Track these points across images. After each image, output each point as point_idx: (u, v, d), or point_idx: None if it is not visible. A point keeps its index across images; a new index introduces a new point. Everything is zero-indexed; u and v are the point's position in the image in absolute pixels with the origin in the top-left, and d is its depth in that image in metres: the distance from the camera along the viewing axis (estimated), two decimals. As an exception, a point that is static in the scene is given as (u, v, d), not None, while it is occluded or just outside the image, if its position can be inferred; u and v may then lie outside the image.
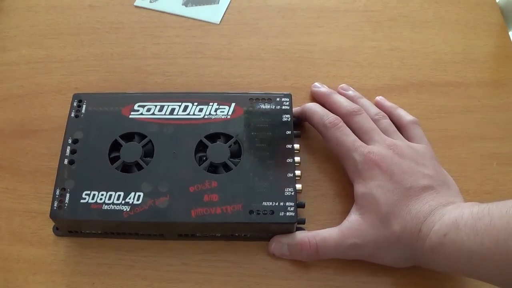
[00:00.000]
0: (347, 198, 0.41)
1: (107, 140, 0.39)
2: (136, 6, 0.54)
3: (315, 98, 0.46)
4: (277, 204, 0.37)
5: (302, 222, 0.38)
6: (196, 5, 0.54)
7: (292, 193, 0.37)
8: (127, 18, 0.53)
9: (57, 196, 0.37)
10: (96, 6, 0.54)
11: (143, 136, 0.40)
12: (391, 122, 0.42)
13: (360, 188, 0.38)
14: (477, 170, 0.43)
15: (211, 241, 0.39)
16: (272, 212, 0.36)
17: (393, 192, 0.36)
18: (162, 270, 0.38)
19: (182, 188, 0.37)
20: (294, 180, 0.38)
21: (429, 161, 0.39)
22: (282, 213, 0.36)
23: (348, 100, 0.43)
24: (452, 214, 0.33)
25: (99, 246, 0.39)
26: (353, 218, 0.37)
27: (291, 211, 0.36)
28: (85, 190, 0.37)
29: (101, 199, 0.37)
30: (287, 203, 0.37)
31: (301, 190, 0.38)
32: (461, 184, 0.41)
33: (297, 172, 0.38)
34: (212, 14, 0.53)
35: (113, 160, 0.39)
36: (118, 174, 0.38)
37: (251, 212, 0.36)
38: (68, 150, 0.39)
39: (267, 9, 0.53)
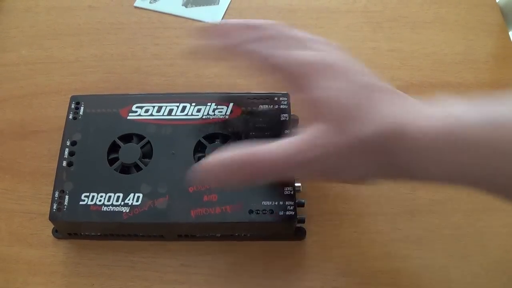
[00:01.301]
0: (348, 199, 0.41)
1: (106, 142, 0.39)
2: (136, 7, 0.54)
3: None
4: (276, 203, 0.37)
5: (302, 221, 0.38)
6: (196, 6, 0.54)
7: (292, 192, 0.37)
8: (127, 18, 0.53)
9: (56, 198, 0.37)
10: (96, 7, 0.54)
11: (141, 137, 0.40)
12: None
13: (309, 94, 0.31)
14: (478, 170, 0.42)
15: (211, 241, 0.39)
16: (272, 211, 0.36)
17: (351, 91, 0.30)
18: (162, 271, 0.38)
19: (181, 189, 0.37)
20: (294, 179, 0.38)
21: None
22: (281, 212, 0.36)
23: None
24: (446, 107, 0.29)
25: (98, 247, 0.39)
26: (308, 130, 0.30)
27: (290, 210, 0.36)
28: (84, 192, 0.37)
29: (100, 200, 0.37)
30: (286, 202, 0.37)
31: (300, 188, 0.38)
32: (461, 185, 0.41)
33: (297, 172, 0.38)
34: (212, 14, 0.53)
35: (111, 162, 0.39)
36: (117, 175, 0.38)
37: (250, 211, 0.36)
38: (66, 152, 0.39)
39: (267, 10, 0.53)
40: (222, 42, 0.35)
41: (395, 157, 0.29)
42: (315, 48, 0.33)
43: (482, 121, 0.27)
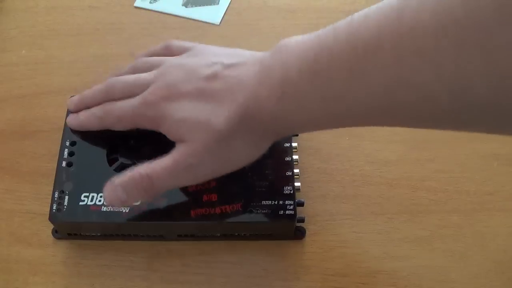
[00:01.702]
0: (348, 199, 0.41)
1: (105, 142, 0.39)
2: (136, 7, 0.54)
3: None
4: (276, 202, 0.37)
5: (302, 220, 0.38)
6: (196, 6, 0.54)
7: (291, 192, 0.37)
8: (127, 19, 0.53)
9: (55, 198, 0.37)
10: (96, 7, 0.54)
11: (141, 137, 0.40)
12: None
13: (164, 128, 0.35)
14: (478, 170, 0.43)
15: (210, 241, 0.39)
16: (272, 211, 0.36)
17: (193, 104, 0.33)
18: (162, 271, 0.38)
19: (180, 189, 0.37)
20: (293, 178, 0.38)
21: (203, 50, 0.37)
22: (281, 212, 0.36)
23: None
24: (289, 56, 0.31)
25: (98, 247, 0.39)
26: (179, 148, 0.34)
27: (290, 209, 0.36)
28: (83, 192, 0.37)
29: (100, 201, 0.37)
30: (286, 202, 0.37)
31: (299, 188, 0.38)
32: (462, 185, 0.41)
33: (296, 171, 0.38)
34: (212, 14, 0.53)
35: (111, 162, 0.39)
36: (116, 175, 0.38)
37: (250, 211, 0.36)
38: (66, 153, 0.39)
39: (267, 10, 0.53)
40: (73, 124, 0.40)
41: (261, 127, 0.32)
42: (150, 76, 0.36)
43: (302, 72, 0.29)
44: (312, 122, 0.32)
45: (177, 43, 0.40)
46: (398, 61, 0.25)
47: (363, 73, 0.27)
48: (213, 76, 0.33)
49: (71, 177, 0.38)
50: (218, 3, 0.54)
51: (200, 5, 0.54)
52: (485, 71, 0.23)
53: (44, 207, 0.38)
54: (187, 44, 0.39)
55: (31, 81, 0.48)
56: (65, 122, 0.40)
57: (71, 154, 0.39)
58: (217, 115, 0.32)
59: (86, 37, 0.51)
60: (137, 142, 0.40)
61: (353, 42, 0.27)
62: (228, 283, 0.38)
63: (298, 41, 0.31)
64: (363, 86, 0.27)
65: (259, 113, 0.32)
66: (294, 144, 0.40)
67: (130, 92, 0.36)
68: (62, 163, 0.38)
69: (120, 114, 0.37)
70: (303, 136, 0.44)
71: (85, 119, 0.39)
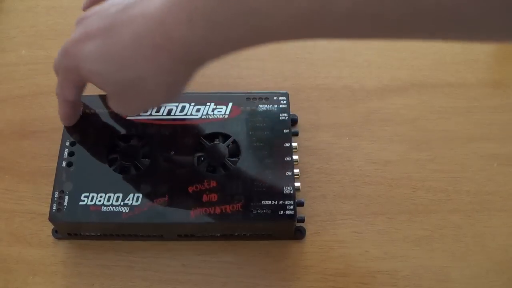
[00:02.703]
0: (348, 199, 0.41)
1: (105, 142, 0.39)
2: (136, 7, 0.53)
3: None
4: (276, 202, 0.37)
5: (302, 220, 0.38)
6: (196, 6, 0.53)
7: (291, 192, 0.37)
8: (127, 19, 0.53)
9: (55, 198, 0.37)
10: (96, 7, 0.53)
11: (141, 137, 0.40)
12: None
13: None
14: (478, 171, 0.43)
15: (210, 241, 0.39)
16: (272, 211, 0.36)
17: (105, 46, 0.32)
18: (162, 271, 0.38)
19: (181, 189, 0.37)
20: (293, 178, 0.38)
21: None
22: (281, 212, 0.36)
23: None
24: None
25: (98, 247, 0.39)
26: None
27: (290, 209, 0.36)
28: (83, 192, 0.37)
29: (100, 201, 0.37)
30: (286, 202, 0.37)
31: (299, 188, 0.38)
32: (462, 185, 0.41)
33: (296, 171, 0.38)
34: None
35: (111, 162, 0.39)
36: (116, 175, 0.38)
37: (250, 211, 0.36)
38: (66, 153, 0.39)
39: (267, 10, 0.53)
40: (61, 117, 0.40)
41: (170, 54, 0.30)
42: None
43: None
44: (229, 43, 0.29)
45: None
46: None
47: None
48: (121, 11, 0.31)
49: (71, 177, 0.38)
50: (218, 3, 0.54)
51: (200, 5, 0.54)
52: None
53: (44, 207, 0.38)
54: None
55: (31, 81, 0.48)
56: None
57: (71, 154, 0.39)
58: (119, 47, 0.31)
59: (86, 37, 0.51)
60: (137, 142, 0.40)
61: None
62: (228, 283, 0.38)
63: None
64: None
65: (168, 42, 0.29)
66: (294, 144, 0.40)
67: None
68: (62, 163, 0.38)
69: (59, 77, 0.36)
70: (303, 136, 0.44)
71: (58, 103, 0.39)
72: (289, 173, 0.38)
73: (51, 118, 0.45)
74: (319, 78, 0.48)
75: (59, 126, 0.41)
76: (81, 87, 0.37)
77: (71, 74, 0.35)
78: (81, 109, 0.41)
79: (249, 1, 0.25)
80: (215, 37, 0.28)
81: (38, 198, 0.41)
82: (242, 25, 0.27)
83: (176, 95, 0.34)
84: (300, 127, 0.44)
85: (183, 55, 0.30)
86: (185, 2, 0.28)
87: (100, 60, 0.32)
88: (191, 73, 0.32)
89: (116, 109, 0.35)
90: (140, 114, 0.41)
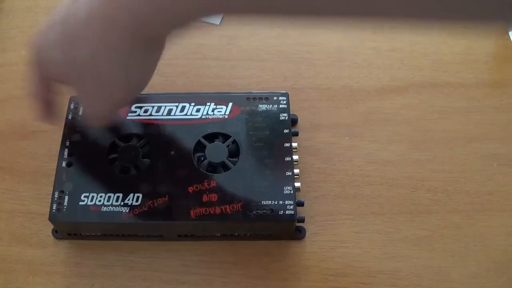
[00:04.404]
0: (348, 199, 0.41)
1: (105, 142, 0.39)
2: (136, 7, 0.53)
3: None
4: (276, 202, 0.37)
5: (302, 220, 0.38)
6: (196, 6, 0.53)
7: (291, 192, 0.37)
8: (127, 19, 0.53)
9: (55, 198, 0.37)
10: (96, 7, 0.53)
11: (141, 137, 0.40)
12: None
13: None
14: (478, 170, 0.43)
15: (211, 241, 0.39)
16: (272, 211, 0.36)
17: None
18: (162, 271, 0.38)
19: (181, 189, 0.37)
20: (293, 178, 0.38)
21: None
22: (281, 212, 0.36)
23: None
24: None
25: (98, 247, 0.39)
26: None
27: (290, 209, 0.36)
28: (83, 192, 0.37)
29: (100, 201, 0.37)
30: (286, 202, 0.37)
31: (299, 188, 0.38)
32: (462, 185, 0.41)
33: (296, 171, 0.38)
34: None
35: (111, 162, 0.39)
36: (116, 175, 0.38)
37: (250, 211, 0.36)
38: (66, 153, 0.39)
39: (267, 10, 0.53)
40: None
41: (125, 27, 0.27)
42: None
43: None
44: (188, 13, 0.27)
45: None
46: None
47: None
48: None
49: (71, 177, 0.38)
50: (218, 3, 0.54)
51: (200, 5, 0.54)
52: None
53: (44, 207, 0.38)
54: None
55: (31, 81, 0.48)
56: (65, 122, 0.40)
57: (71, 154, 0.39)
58: (74, 25, 0.28)
59: (86, 37, 0.51)
60: (137, 142, 0.40)
61: None
62: (228, 283, 0.38)
63: None
64: None
65: (120, 14, 0.27)
66: (294, 144, 0.40)
67: None
68: (62, 163, 0.38)
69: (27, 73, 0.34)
70: (303, 136, 0.44)
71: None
72: (289, 173, 0.38)
73: (51, 118, 0.45)
74: (319, 78, 0.48)
75: (59, 126, 0.41)
76: (47, 84, 0.34)
77: (35, 69, 0.33)
78: (58, 108, 0.38)
79: None
80: (174, 7, 0.26)
81: (38, 198, 0.41)
82: None
83: (139, 83, 0.31)
84: (300, 127, 0.44)
85: (136, 29, 0.27)
86: None
87: (57, 45, 0.30)
88: (150, 55, 0.30)
89: (85, 109, 0.33)
90: (140, 114, 0.41)
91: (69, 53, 0.29)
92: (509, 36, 0.51)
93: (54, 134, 0.42)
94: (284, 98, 0.42)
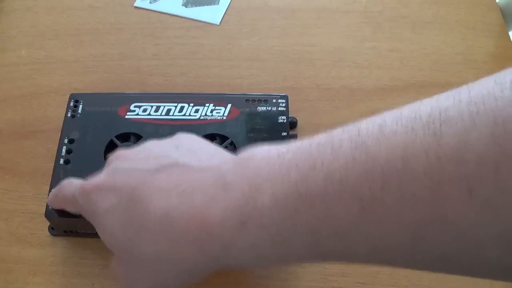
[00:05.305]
0: (347, 199, 0.41)
1: (103, 140, 0.39)
2: (136, 7, 0.54)
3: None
4: None
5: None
6: (196, 6, 0.54)
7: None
8: (127, 18, 0.53)
9: None
10: (96, 7, 0.54)
11: (139, 137, 0.40)
12: None
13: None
14: (477, 170, 0.42)
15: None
16: None
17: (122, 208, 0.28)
18: (162, 271, 0.38)
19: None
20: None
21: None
22: None
23: None
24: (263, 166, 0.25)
25: (98, 247, 0.39)
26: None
27: None
28: None
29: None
30: None
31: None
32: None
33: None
34: (212, 14, 0.53)
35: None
36: None
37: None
38: (64, 150, 0.39)
39: (267, 10, 0.53)
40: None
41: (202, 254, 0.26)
42: None
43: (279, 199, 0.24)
44: (275, 257, 0.25)
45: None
46: (434, 193, 0.20)
47: (381, 204, 0.21)
48: (159, 169, 0.27)
49: (68, 174, 0.38)
50: (218, 3, 0.54)
51: (200, 5, 0.54)
52: None
53: (44, 207, 0.38)
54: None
55: (31, 81, 0.48)
56: (64, 120, 0.40)
57: (69, 151, 0.39)
58: (143, 215, 0.26)
59: (86, 37, 0.51)
60: (135, 141, 0.40)
61: (370, 164, 0.21)
62: (227, 283, 0.38)
63: (271, 152, 0.25)
64: (377, 222, 0.21)
65: (208, 239, 0.25)
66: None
67: None
68: (59, 161, 0.38)
69: (65, 194, 0.33)
70: (303, 136, 0.43)
71: (50, 197, 0.35)
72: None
73: (50, 118, 0.45)
74: (319, 78, 0.48)
75: (59, 126, 0.41)
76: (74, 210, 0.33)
77: (82, 211, 0.32)
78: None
79: (314, 225, 0.23)
80: (265, 249, 0.24)
81: (38, 198, 0.41)
82: (301, 245, 0.24)
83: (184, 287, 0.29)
84: (300, 127, 0.44)
85: (218, 256, 0.26)
86: (243, 205, 0.24)
87: (118, 221, 0.28)
88: (210, 271, 0.28)
89: (115, 276, 0.30)
90: (139, 113, 0.41)
91: (130, 239, 0.27)
92: (509, 36, 0.51)
93: (54, 134, 0.42)
94: (283, 100, 0.42)
